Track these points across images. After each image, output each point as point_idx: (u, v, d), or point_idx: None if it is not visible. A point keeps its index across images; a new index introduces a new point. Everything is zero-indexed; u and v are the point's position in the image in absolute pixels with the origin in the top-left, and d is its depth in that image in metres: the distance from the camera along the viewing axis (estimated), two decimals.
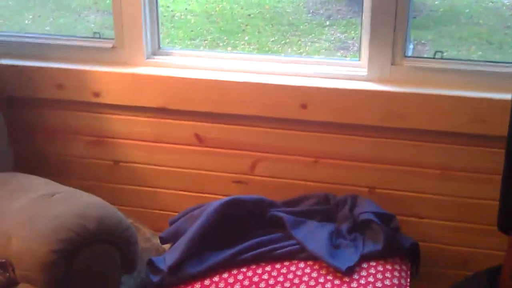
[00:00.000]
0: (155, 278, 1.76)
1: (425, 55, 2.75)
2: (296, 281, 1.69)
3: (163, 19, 4.17)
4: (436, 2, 4.21)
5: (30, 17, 4.42)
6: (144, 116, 2.15)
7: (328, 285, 1.66)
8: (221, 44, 4.10)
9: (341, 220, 1.92)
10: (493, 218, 1.66)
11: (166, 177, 2.21)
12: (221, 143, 2.13)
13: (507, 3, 4.04)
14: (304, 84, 1.99)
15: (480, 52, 3.69)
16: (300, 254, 1.78)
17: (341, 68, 2.04)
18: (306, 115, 2.00)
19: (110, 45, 2.18)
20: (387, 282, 1.68)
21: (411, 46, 2.14)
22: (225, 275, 1.73)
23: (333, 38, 4.04)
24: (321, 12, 4.31)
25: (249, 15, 4.38)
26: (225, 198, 1.88)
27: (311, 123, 2.02)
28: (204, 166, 2.17)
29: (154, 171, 2.22)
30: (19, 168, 2.10)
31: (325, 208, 1.98)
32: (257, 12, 4.38)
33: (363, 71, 2.01)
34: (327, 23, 4.17)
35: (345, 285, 1.66)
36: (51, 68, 2.16)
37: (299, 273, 1.72)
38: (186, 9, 4.46)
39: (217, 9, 4.42)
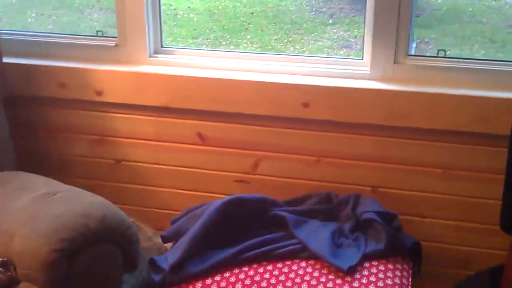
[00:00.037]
0: (157, 277, 1.76)
1: (428, 54, 2.74)
2: (298, 280, 1.68)
3: (166, 17, 4.17)
4: (439, 1, 4.20)
5: (33, 15, 4.41)
6: (146, 114, 2.15)
7: (330, 284, 1.66)
8: (223, 42, 4.10)
9: (344, 219, 1.92)
10: (495, 217, 1.66)
11: (168, 176, 2.21)
12: (224, 142, 2.12)
13: (510, 2, 4.03)
14: (306, 83, 1.99)
15: (483, 51, 3.68)
16: (302, 253, 1.78)
17: (343, 67, 2.04)
18: (309, 114, 2.00)
19: (112, 44, 2.18)
20: (389, 282, 1.68)
21: (414, 45, 2.14)
22: (227, 274, 1.73)
23: (336, 36, 4.03)
24: (324, 10, 4.30)
25: (252, 13, 4.37)
26: (227, 197, 1.87)
27: (314, 121, 2.02)
28: (206, 165, 2.17)
29: (156, 170, 2.22)
30: (21, 167, 2.10)
31: (327, 207, 1.98)
32: (260, 10, 4.37)
33: (366, 70, 2.01)
34: (330, 21, 4.16)
35: (347, 284, 1.66)
36: (54, 67, 2.16)
37: (301, 272, 1.72)
38: (188, 7, 4.45)
39: (220, 7, 4.41)
